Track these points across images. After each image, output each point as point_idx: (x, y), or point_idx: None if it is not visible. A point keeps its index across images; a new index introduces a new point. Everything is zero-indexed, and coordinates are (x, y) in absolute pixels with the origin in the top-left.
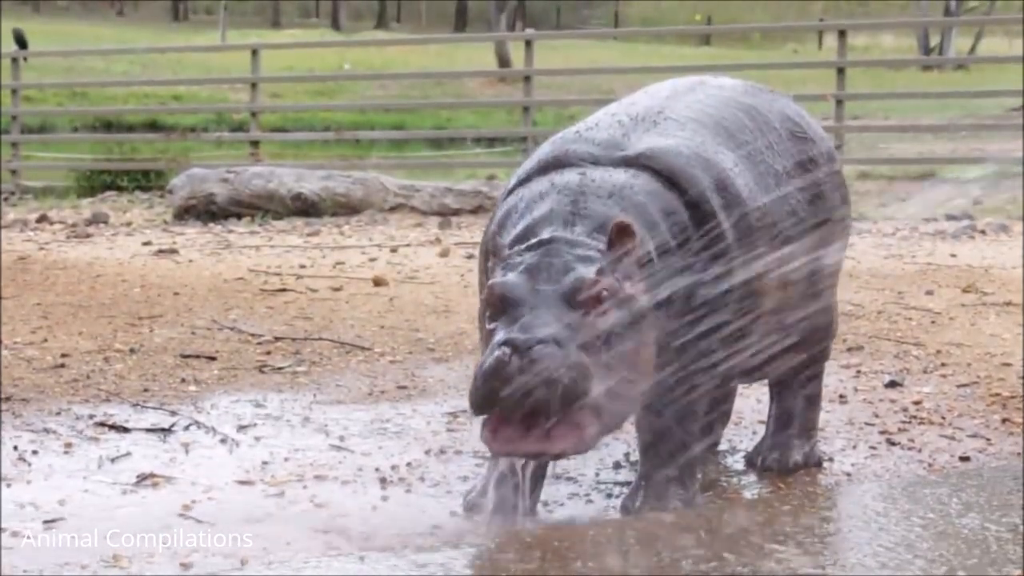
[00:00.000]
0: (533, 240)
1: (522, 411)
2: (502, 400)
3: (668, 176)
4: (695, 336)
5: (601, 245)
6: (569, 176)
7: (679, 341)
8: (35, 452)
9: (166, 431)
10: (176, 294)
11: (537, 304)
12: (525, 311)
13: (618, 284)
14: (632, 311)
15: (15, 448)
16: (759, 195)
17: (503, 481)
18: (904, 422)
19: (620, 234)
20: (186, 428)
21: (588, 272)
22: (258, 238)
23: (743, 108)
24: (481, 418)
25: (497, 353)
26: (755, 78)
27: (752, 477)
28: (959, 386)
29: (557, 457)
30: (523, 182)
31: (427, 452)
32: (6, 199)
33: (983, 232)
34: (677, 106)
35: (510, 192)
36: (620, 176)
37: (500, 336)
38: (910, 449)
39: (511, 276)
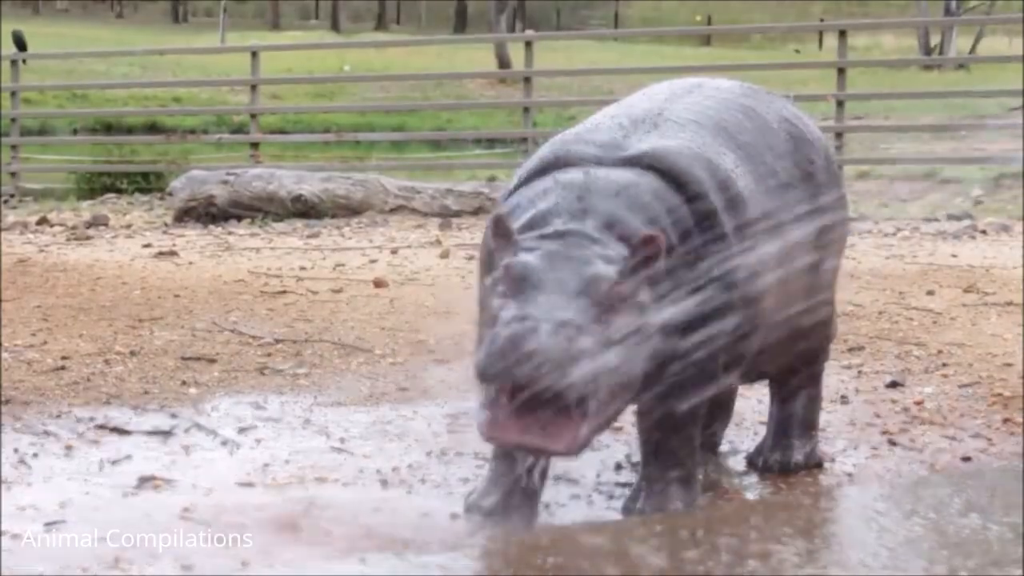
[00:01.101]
0: (549, 230)
1: (528, 391)
2: (514, 373)
3: (672, 176)
4: (696, 336)
5: (618, 247)
6: (573, 174)
7: (679, 341)
8: (35, 455)
9: (167, 433)
10: (176, 296)
11: (554, 290)
12: (541, 295)
13: (635, 291)
14: (641, 320)
15: (15, 451)
16: (760, 196)
17: (504, 482)
18: (905, 422)
19: (646, 245)
20: (187, 430)
21: (608, 271)
22: (258, 240)
23: (742, 109)
24: (481, 403)
25: (515, 326)
26: (755, 78)
27: (753, 478)
28: (960, 386)
29: (552, 455)
30: (525, 182)
31: (428, 454)
32: (6, 202)
33: (984, 232)
34: (676, 108)
35: (512, 192)
36: (624, 175)
37: (517, 310)
38: (911, 449)
39: (531, 257)
